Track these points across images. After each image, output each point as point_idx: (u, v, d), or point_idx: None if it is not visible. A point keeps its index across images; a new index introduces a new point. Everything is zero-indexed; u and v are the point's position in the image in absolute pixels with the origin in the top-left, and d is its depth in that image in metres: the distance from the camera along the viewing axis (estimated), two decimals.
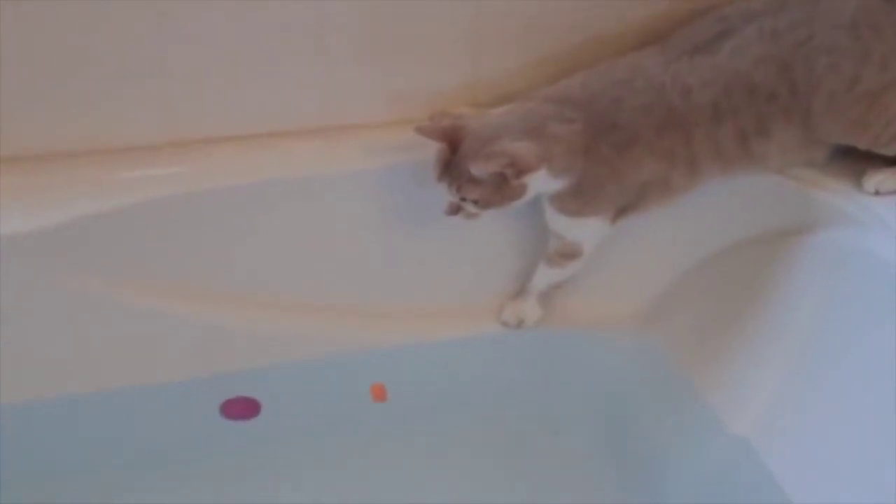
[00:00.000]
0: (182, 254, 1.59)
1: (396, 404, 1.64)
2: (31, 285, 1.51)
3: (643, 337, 1.67)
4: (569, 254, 1.61)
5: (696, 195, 1.57)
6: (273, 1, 1.53)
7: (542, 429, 1.64)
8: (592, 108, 1.50)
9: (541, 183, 1.49)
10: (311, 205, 1.62)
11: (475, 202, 1.49)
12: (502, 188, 1.47)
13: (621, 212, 1.56)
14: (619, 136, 1.49)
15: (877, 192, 1.49)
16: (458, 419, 1.64)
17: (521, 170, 1.45)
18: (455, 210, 1.54)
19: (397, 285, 1.68)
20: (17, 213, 1.49)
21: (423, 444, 1.62)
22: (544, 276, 1.65)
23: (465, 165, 1.46)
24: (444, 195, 1.52)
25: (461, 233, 1.64)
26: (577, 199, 1.53)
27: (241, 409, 1.62)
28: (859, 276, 1.48)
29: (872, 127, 1.49)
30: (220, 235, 1.59)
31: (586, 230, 1.58)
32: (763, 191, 1.56)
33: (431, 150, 1.51)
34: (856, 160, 1.53)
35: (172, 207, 1.55)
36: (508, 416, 1.65)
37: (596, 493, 1.56)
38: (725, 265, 1.64)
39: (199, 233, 1.58)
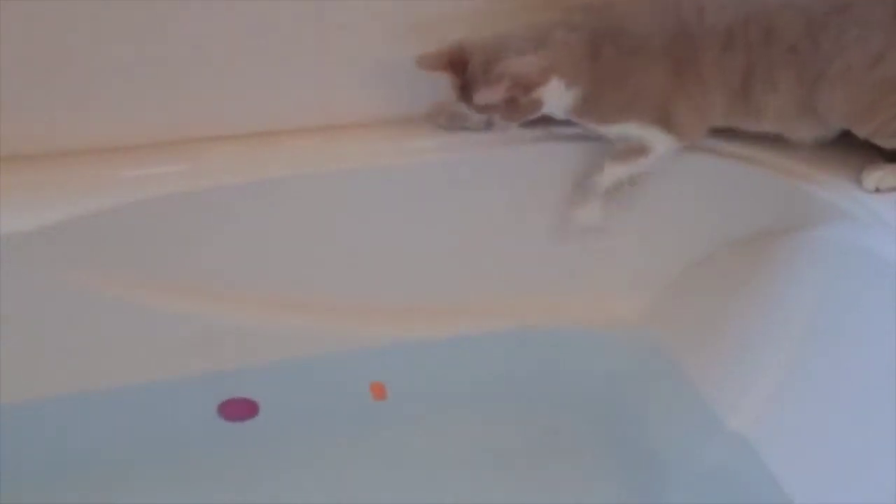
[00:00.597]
0: (181, 252, 1.58)
1: (396, 403, 1.64)
2: (29, 284, 1.50)
3: (642, 334, 1.67)
4: (637, 150, 1.56)
5: (695, 192, 1.58)
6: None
7: (542, 427, 1.63)
8: (602, 14, 1.49)
9: (556, 95, 1.48)
10: (311, 203, 1.62)
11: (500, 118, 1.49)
12: (517, 104, 1.47)
13: (668, 121, 1.53)
14: (628, 41, 1.48)
15: (877, 190, 1.49)
16: (457, 418, 1.64)
17: (528, 86, 1.44)
18: (488, 125, 1.53)
19: (397, 283, 1.68)
20: (17, 212, 1.48)
21: (422, 443, 1.61)
22: (611, 173, 1.59)
23: (475, 89, 1.45)
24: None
25: (462, 231, 1.64)
26: (594, 106, 1.52)
27: (240, 409, 1.61)
28: (858, 274, 1.48)
29: (878, 116, 1.48)
30: (219, 233, 1.59)
31: (641, 132, 1.55)
32: (762, 188, 1.57)
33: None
34: (854, 157, 1.53)
35: (172, 206, 1.54)
36: (509, 414, 1.65)
37: (596, 491, 1.55)
38: (725, 262, 1.64)
39: (198, 231, 1.58)
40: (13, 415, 1.51)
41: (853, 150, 1.54)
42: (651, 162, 1.57)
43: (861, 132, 1.51)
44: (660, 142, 1.55)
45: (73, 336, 1.54)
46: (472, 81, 1.46)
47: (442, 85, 1.61)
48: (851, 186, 1.51)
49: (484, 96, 1.45)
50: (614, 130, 1.55)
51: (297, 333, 1.65)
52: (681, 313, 1.66)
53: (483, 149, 1.63)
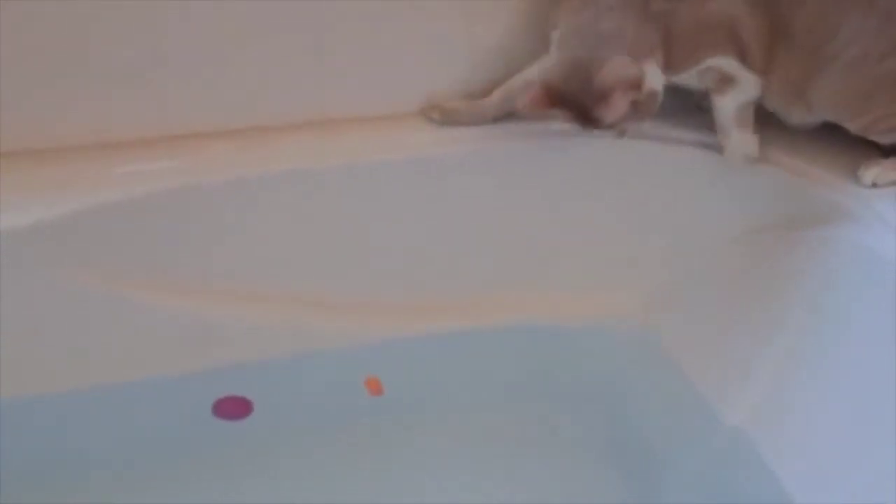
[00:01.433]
0: (176, 248, 1.57)
1: (392, 400, 1.62)
2: (21, 280, 1.48)
3: (640, 330, 1.67)
4: (729, 80, 1.56)
5: (693, 189, 1.58)
6: None
7: (539, 424, 1.63)
8: None
9: (656, 72, 1.47)
10: (304, 199, 1.61)
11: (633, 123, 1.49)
12: (638, 104, 1.46)
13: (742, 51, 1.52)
14: None
15: (874, 185, 1.50)
16: (454, 415, 1.62)
17: (635, 84, 1.44)
18: (622, 132, 1.52)
19: (391, 279, 1.67)
20: (12, 208, 1.46)
21: (419, 440, 1.60)
22: (724, 105, 1.58)
23: (590, 111, 1.45)
24: None
25: (457, 227, 1.64)
26: (679, 51, 1.51)
27: (234, 408, 1.60)
28: (857, 272, 1.49)
29: (874, 111, 1.49)
30: (214, 229, 1.58)
31: (721, 66, 1.54)
32: (761, 185, 1.58)
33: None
34: (852, 153, 1.54)
35: (167, 202, 1.54)
36: (505, 410, 1.64)
37: (594, 488, 1.55)
38: (723, 259, 1.65)
39: (193, 227, 1.57)
40: (5, 411, 1.49)
41: (851, 146, 1.54)
42: (750, 79, 1.55)
43: (853, 126, 1.52)
44: (740, 71, 1.54)
45: (66, 333, 1.53)
46: (584, 108, 1.45)
47: (436, 80, 1.63)
48: (850, 183, 1.52)
49: (608, 114, 1.45)
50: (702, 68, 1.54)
51: (291, 330, 1.64)
52: (679, 310, 1.67)
53: (477, 144, 1.63)
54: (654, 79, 1.47)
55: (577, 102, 1.46)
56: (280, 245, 1.63)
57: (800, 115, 1.55)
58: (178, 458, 1.55)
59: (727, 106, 1.57)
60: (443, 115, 1.63)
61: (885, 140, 1.52)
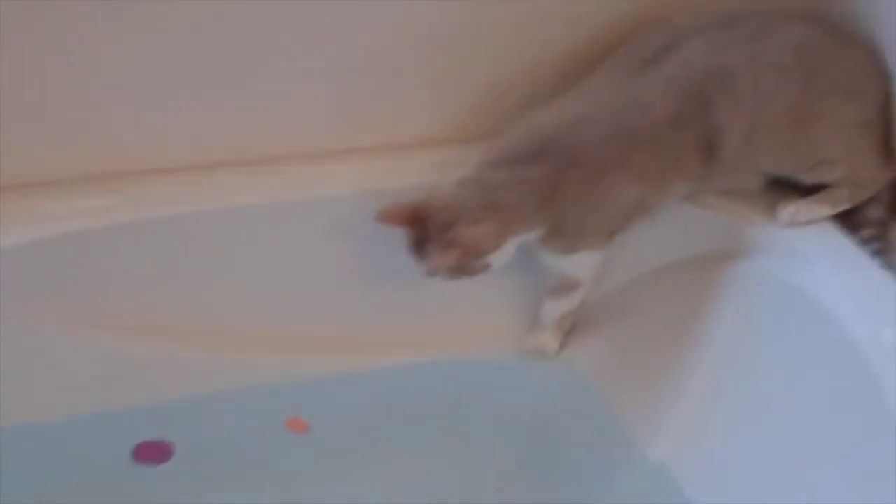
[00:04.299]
0: (95, 286, 1.57)
1: (317, 437, 1.62)
2: None
3: (563, 364, 1.67)
4: (569, 286, 1.61)
5: None
6: (213, 31, 1.53)
7: (464, 457, 1.63)
8: (549, 152, 1.48)
9: (509, 252, 1.49)
10: (227, 236, 1.61)
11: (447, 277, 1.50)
12: (467, 267, 1.47)
13: (611, 235, 1.55)
14: (586, 171, 1.48)
15: (791, 223, 1.52)
16: (380, 450, 1.63)
17: (481, 254, 1.45)
18: (432, 274, 1.52)
19: (314, 315, 1.66)
20: None
21: (345, 476, 1.60)
22: (552, 308, 1.65)
23: (426, 242, 1.46)
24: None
25: (380, 263, 1.63)
26: (562, 239, 1.52)
27: (154, 453, 1.58)
28: (773, 304, 1.51)
29: (799, 152, 1.52)
30: (137, 266, 1.58)
31: (580, 263, 1.58)
32: (678, 220, 1.58)
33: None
34: (770, 191, 1.56)
35: (91, 240, 1.54)
36: (431, 445, 1.64)
37: None
38: (644, 292, 1.66)
39: (113, 264, 1.56)
40: None
41: (770, 185, 1.56)
42: (586, 292, 1.62)
43: (783, 171, 1.55)
44: (595, 265, 1.59)
45: None
46: (427, 240, 1.46)
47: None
48: (767, 220, 1.54)
49: (435, 260, 1.46)
50: (566, 261, 1.57)
51: (213, 368, 1.62)
52: (601, 343, 1.67)
53: (402, 181, 1.62)
54: (500, 256, 1.48)
55: (425, 233, 1.47)
56: (204, 282, 1.62)
57: (754, 181, 1.57)
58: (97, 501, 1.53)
59: (556, 310, 1.65)
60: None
61: (804, 180, 1.55)
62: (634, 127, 1.49)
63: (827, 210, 1.53)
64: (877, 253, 1.49)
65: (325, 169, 1.64)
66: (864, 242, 1.50)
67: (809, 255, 1.48)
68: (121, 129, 1.57)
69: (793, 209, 1.52)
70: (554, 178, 1.47)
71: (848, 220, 1.54)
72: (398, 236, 1.52)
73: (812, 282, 1.45)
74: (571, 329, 1.68)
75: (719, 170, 1.52)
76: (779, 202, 1.54)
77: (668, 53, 1.51)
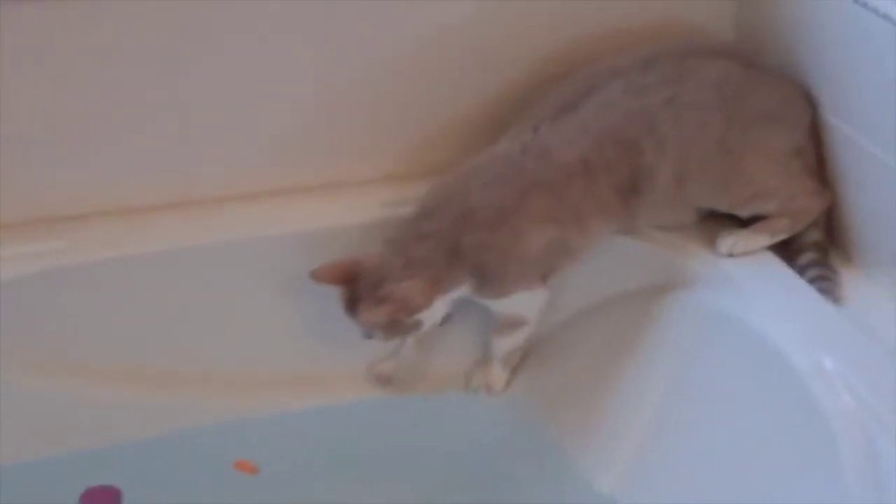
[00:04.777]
0: (42, 328, 1.57)
1: (266, 478, 1.61)
2: None
3: (509, 398, 1.68)
4: (514, 324, 1.62)
5: None
6: (152, 73, 1.55)
7: (412, 495, 1.63)
8: (444, 205, 1.52)
9: (440, 311, 1.52)
10: (171, 278, 1.61)
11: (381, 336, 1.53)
12: (399, 325, 1.50)
13: (543, 276, 1.57)
14: (481, 219, 1.50)
15: (731, 255, 1.54)
16: (329, 489, 1.61)
17: (412, 310, 1.48)
18: (368, 336, 1.55)
19: (261, 355, 1.66)
20: None
21: None
22: (499, 345, 1.66)
23: (358, 301, 1.48)
24: None
25: (321, 301, 1.64)
26: (491, 286, 1.54)
27: (101, 498, 1.56)
28: (713, 334, 1.53)
29: (733, 187, 1.55)
30: (83, 309, 1.58)
31: (520, 304, 1.59)
32: (622, 253, 1.61)
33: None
34: (709, 223, 1.59)
35: (39, 283, 1.54)
36: (380, 482, 1.64)
37: None
38: (588, 325, 1.67)
39: (58, 307, 1.57)
40: None
41: (708, 216, 1.59)
42: (533, 328, 1.63)
43: (721, 207, 1.58)
44: (536, 302, 1.59)
45: None
46: (358, 298, 1.49)
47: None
48: (706, 251, 1.56)
49: (368, 317, 1.48)
50: (505, 303, 1.58)
51: (161, 410, 1.62)
52: (548, 377, 1.68)
53: (344, 219, 1.65)
54: (431, 315, 1.51)
55: (356, 291, 1.49)
56: (149, 324, 1.62)
57: (689, 216, 1.59)
58: None
59: (503, 346, 1.66)
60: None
61: (741, 213, 1.58)
62: (529, 172, 1.51)
63: (766, 240, 1.56)
64: (816, 279, 1.52)
65: (267, 210, 1.66)
66: (804, 268, 1.54)
67: (748, 285, 1.51)
68: (62, 173, 1.58)
69: (731, 240, 1.55)
70: (451, 229, 1.50)
71: (787, 246, 1.57)
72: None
73: (751, 311, 1.47)
74: (520, 364, 1.69)
75: (648, 208, 1.54)
76: (718, 233, 1.56)
77: (587, 98, 1.53)
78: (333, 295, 1.55)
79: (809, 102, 1.58)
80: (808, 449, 1.34)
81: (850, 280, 1.54)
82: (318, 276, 1.51)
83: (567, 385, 1.66)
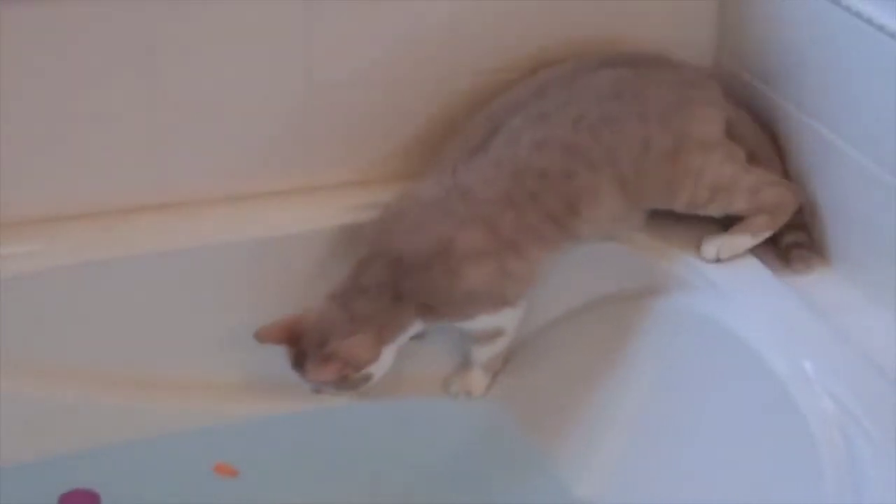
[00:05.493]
0: (17, 331, 1.55)
1: (246, 482, 1.60)
2: None
3: (487, 403, 1.67)
4: (491, 335, 1.61)
5: None
6: (132, 74, 1.55)
7: (391, 498, 1.63)
8: (374, 254, 1.52)
9: (388, 360, 1.52)
10: (156, 279, 1.61)
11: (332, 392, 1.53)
12: (348, 380, 1.50)
13: (504, 300, 1.56)
14: (413, 261, 1.50)
15: (717, 260, 1.54)
16: (308, 494, 1.61)
17: (360, 366, 1.48)
18: (318, 392, 1.55)
19: (239, 357, 1.65)
20: None
21: None
22: (479, 353, 1.64)
23: (305, 359, 1.48)
24: None
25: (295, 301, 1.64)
26: (444, 318, 1.55)
27: (80, 502, 1.56)
28: (695, 338, 1.53)
29: (685, 187, 1.54)
30: (60, 311, 1.58)
31: (489, 321, 1.58)
32: (604, 258, 1.61)
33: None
34: (695, 227, 1.59)
35: (15, 284, 1.53)
36: (359, 488, 1.63)
37: None
38: (568, 330, 1.67)
39: (37, 309, 1.56)
40: None
41: (694, 221, 1.59)
42: (512, 337, 1.62)
43: (680, 208, 1.57)
44: (509, 318, 1.58)
45: None
46: (305, 356, 1.49)
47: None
48: (687, 255, 1.57)
49: (315, 376, 1.48)
50: (474, 323, 1.57)
51: (138, 413, 1.61)
52: (527, 382, 1.67)
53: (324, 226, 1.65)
54: (381, 366, 1.52)
55: (302, 349, 1.49)
56: (127, 326, 1.61)
57: (638, 219, 1.59)
58: None
59: (483, 354, 1.64)
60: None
61: (713, 213, 1.57)
62: (454, 212, 1.51)
63: (748, 240, 1.56)
64: (793, 245, 1.56)
65: (243, 212, 1.65)
66: (793, 261, 1.56)
67: (728, 289, 1.51)
68: (43, 175, 1.58)
69: (716, 245, 1.54)
70: (387, 277, 1.50)
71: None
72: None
73: (731, 315, 1.48)
74: (501, 369, 1.68)
75: (594, 223, 1.54)
76: (700, 238, 1.56)
77: (493, 138, 1.53)
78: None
79: (717, 84, 1.60)
80: (787, 452, 1.35)
81: (830, 283, 1.54)
82: (262, 336, 1.52)
83: (547, 390, 1.66)
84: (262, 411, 1.66)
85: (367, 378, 1.51)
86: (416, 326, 1.54)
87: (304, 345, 1.49)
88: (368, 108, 1.67)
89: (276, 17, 1.58)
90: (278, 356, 1.64)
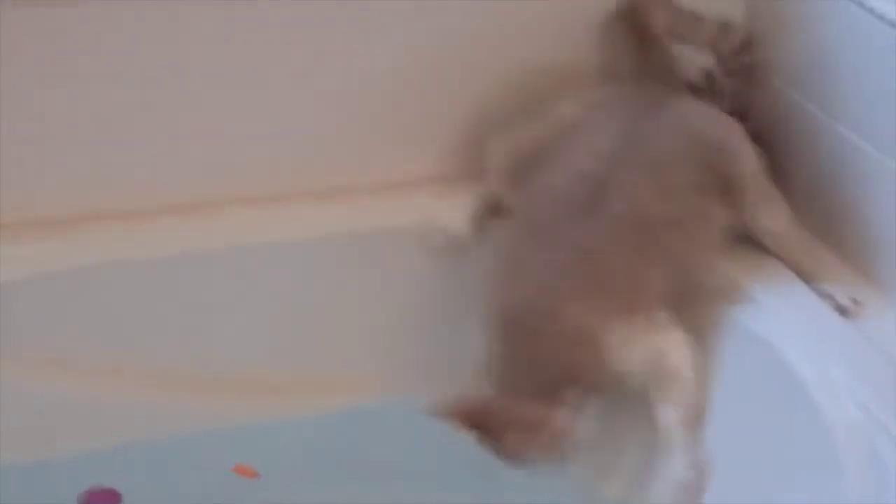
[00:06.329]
0: (42, 330, 1.57)
1: (267, 483, 1.61)
2: None
3: None
4: (663, 376, 1.44)
5: None
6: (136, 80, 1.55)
7: (413, 498, 1.62)
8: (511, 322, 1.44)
9: (569, 414, 1.41)
10: (173, 281, 1.62)
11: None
12: (539, 447, 1.40)
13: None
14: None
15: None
16: (331, 496, 1.61)
17: (535, 428, 1.39)
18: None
19: (265, 357, 1.66)
20: None
21: None
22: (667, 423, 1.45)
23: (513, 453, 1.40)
24: None
25: (329, 308, 1.64)
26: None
27: (101, 500, 1.56)
28: (724, 342, 1.50)
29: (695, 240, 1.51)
30: (84, 310, 1.59)
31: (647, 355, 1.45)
32: None
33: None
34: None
35: (42, 283, 1.56)
36: (383, 489, 1.63)
37: None
38: None
39: (58, 308, 1.57)
40: None
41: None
42: (695, 381, 1.45)
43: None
44: (674, 343, 1.45)
45: None
46: (512, 448, 1.40)
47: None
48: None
49: (503, 451, 1.40)
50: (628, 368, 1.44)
51: (162, 413, 1.62)
52: None
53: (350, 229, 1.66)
54: (565, 421, 1.39)
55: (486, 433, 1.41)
56: (151, 326, 1.62)
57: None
58: None
59: (670, 417, 1.44)
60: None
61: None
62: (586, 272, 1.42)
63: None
64: None
65: (270, 215, 1.65)
66: None
67: (755, 294, 1.49)
68: (61, 175, 1.59)
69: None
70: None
71: None
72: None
73: (757, 320, 1.46)
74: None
75: None
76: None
77: (601, 195, 1.43)
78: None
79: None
80: (811, 459, 1.33)
81: (857, 289, 1.51)
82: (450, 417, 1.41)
83: None
84: (283, 412, 1.66)
85: (561, 436, 1.40)
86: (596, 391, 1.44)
87: (502, 434, 1.39)
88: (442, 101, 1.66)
89: (313, 10, 1.59)
90: (297, 359, 1.65)
